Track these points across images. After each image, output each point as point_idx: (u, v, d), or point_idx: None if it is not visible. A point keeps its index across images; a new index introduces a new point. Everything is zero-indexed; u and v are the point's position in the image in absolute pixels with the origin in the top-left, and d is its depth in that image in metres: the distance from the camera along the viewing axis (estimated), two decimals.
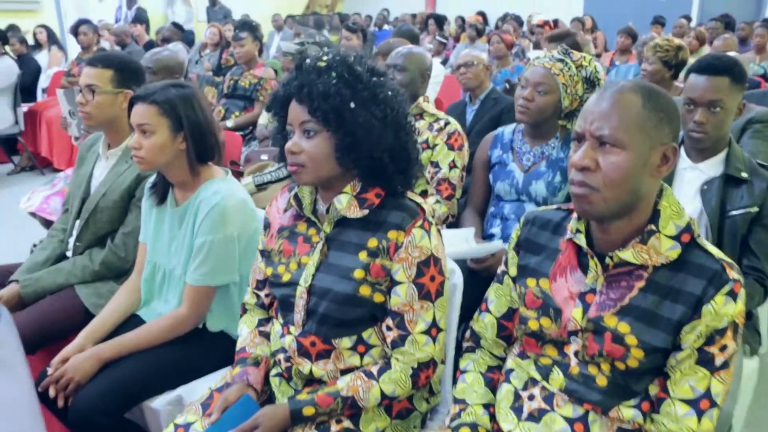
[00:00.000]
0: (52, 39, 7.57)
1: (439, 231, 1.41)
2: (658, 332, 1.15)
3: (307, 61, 1.35)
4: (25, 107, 5.80)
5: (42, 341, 1.94)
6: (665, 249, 1.16)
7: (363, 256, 1.36)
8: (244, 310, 1.65)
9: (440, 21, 9.04)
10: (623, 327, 1.17)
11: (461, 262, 2.01)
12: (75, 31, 6.12)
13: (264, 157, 3.11)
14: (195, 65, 6.86)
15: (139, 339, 1.74)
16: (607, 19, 9.85)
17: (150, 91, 1.70)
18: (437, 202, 2.41)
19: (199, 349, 1.80)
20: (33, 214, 2.88)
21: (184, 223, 1.78)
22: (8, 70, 5.57)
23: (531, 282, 1.32)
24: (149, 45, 7.34)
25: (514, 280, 1.38)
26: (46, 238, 2.27)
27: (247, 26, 4.19)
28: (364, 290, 1.36)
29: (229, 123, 4.12)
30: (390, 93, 1.36)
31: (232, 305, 1.82)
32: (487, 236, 2.35)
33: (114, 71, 2.07)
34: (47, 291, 2.05)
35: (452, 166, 2.45)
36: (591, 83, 2.20)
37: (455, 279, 1.60)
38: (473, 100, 3.49)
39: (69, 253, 2.19)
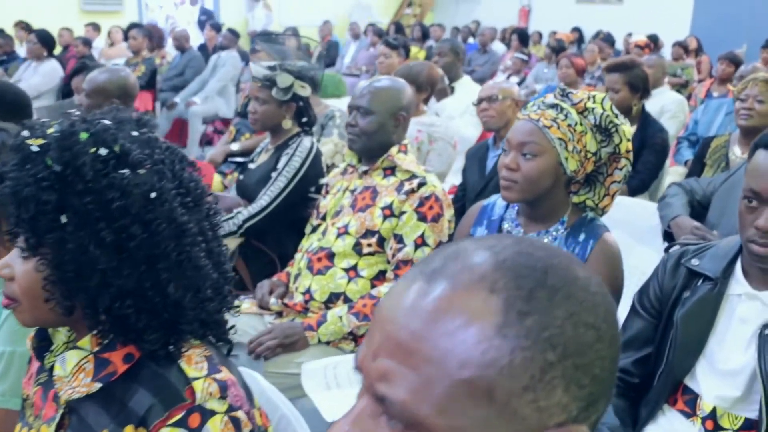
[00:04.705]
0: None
1: (233, 422, 0.85)
2: None
3: (24, 133, 0.84)
4: None
5: None
6: None
7: None
8: None
9: (524, 36, 8.32)
10: None
11: None
12: (126, 35, 6.00)
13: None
14: None
15: None
16: (717, 40, 8.71)
17: None
18: None
19: None
20: None
21: None
22: (51, 73, 5.57)
23: None
24: (202, 49, 7.13)
25: None
26: None
27: (264, 38, 3.74)
28: None
29: (235, 146, 3.65)
30: (153, 195, 0.82)
31: None
32: None
33: None
34: None
35: (420, 243, 1.86)
36: (605, 132, 1.55)
37: None
38: (497, 143, 2.86)
39: None
